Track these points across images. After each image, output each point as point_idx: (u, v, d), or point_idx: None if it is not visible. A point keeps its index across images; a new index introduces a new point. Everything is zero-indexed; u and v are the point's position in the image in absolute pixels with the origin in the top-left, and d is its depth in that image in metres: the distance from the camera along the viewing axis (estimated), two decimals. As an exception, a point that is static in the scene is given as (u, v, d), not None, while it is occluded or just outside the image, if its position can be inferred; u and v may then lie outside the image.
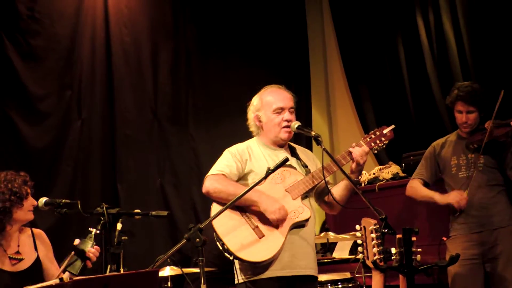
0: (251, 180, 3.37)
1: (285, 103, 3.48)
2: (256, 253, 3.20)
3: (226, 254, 3.20)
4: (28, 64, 5.09)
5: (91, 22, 5.45)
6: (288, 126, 3.44)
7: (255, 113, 3.51)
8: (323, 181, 3.35)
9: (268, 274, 3.24)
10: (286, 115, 3.45)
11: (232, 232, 3.19)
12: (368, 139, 3.47)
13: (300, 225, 3.32)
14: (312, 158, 3.62)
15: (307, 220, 3.33)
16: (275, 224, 3.26)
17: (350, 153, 3.40)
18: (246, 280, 3.27)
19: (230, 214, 3.24)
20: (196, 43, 6.14)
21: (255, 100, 3.54)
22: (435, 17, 5.93)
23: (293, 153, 3.55)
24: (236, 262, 3.30)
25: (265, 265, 3.23)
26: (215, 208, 3.30)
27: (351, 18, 6.75)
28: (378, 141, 3.47)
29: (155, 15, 5.90)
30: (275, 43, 6.70)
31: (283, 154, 3.44)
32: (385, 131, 3.48)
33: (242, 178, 3.41)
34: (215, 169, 3.40)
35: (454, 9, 5.74)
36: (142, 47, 5.77)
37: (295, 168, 3.44)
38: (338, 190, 3.47)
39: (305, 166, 3.48)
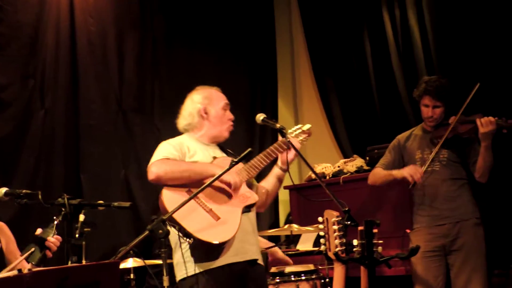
0: None
1: (227, 102, 3.57)
2: (217, 234, 3.17)
3: (185, 238, 3.15)
4: (-10, 52, 5.00)
5: (55, 11, 5.36)
6: (231, 125, 3.54)
7: (203, 105, 3.50)
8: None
9: (222, 261, 3.21)
10: (230, 114, 3.55)
11: (189, 216, 3.14)
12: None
13: (247, 211, 3.33)
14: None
15: (254, 204, 3.35)
16: (227, 208, 3.25)
17: (287, 143, 3.42)
18: (198, 272, 3.20)
19: (184, 198, 3.15)
20: (163, 33, 6.09)
21: (203, 93, 3.56)
22: (401, 12, 6.00)
23: (224, 151, 3.57)
24: (181, 255, 3.23)
25: (219, 250, 3.21)
26: (166, 194, 3.25)
27: (319, 12, 6.78)
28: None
29: (122, 4, 5.82)
30: (242, 35, 6.69)
31: (216, 150, 3.49)
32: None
33: None
34: (157, 156, 3.33)
35: (419, 4, 5.82)
36: (108, 37, 5.69)
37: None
38: (268, 180, 3.54)
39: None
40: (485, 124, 4.12)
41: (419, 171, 4.23)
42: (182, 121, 3.56)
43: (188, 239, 3.15)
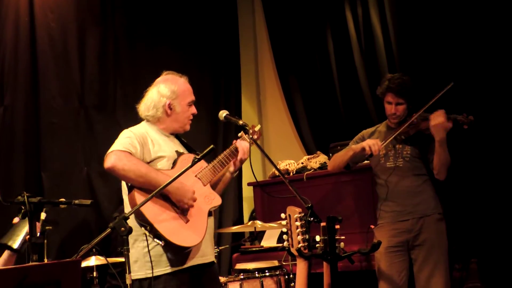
0: (161, 166, 3.31)
1: (193, 97, 3.51)
2: (186, 238, 3.16)
3: (155, 239, 3.10)
4: None
5: (14, 5, 5.24)
6: (191, 119, 3.51)
7: (169, 100, 3.42)
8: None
9: (187, 263, 3.23)
10: (194, 108, 3.50)
11: (160, 216, 3.11)
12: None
13: (209, 215, 3.33)
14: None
15: (217, 206, 3.37)
16: (194, 210, 3.25)
17: (237, 148, 3.44)
18: (163, 274, 3.19)
19: (155, 202, 3.14)
20: (125, 30, 6.02)
21: (170, 86, 3.46)
22: (363, 11, 6.04)
23: (182, 142, 3.55)
24: (142, 254, 3.18)
25: (186, 253, 3.20)
26: (139, 196, 3.16)
27: (282, 10, 6.79)
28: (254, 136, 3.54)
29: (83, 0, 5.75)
30: (205, 32, 6.66)
31: (175, 140, 3.48)
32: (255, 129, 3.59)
33: (150, 163, 3.30)
34: (120, 145, 3.24)
35: (381, 3, 5.87)
36: (69, 33, 5.60)
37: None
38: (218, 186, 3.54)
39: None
40: (434, 116, 4.19)
41: (378, 144, 4.27)
42: (144, 110, 3.48)
43: (159, 241, 3.10)
